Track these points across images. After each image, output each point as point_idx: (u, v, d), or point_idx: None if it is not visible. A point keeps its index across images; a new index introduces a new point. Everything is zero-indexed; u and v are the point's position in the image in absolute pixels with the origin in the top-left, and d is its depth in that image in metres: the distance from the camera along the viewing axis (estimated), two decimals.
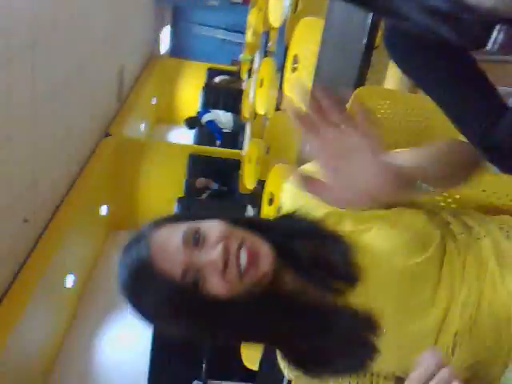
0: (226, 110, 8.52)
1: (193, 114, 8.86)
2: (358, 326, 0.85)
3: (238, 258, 0.81)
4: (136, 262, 0.82)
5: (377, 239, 0.88)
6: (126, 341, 6.08)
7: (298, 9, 3.45)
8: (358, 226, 0.90)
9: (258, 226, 0.89)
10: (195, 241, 0.82)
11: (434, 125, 1.63)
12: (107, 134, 7.55)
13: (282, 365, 0.96)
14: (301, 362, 0.89)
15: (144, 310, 0.85)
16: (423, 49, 0.85)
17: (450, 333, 0.87)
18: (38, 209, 5.19)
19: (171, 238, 0.83)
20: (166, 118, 11.35)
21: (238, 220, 0.89)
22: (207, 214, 0.89)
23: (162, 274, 0.80)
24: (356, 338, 0.85)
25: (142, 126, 9.99)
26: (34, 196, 5.04)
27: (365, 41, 2.00)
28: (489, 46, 0.68)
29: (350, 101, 1.67)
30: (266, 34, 5.39)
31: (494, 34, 0.68)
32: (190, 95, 11.14)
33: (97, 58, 6.66)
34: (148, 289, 0.82)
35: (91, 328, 6.29)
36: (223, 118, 8.23)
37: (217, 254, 0.80)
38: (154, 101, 10.96)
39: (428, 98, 0.90)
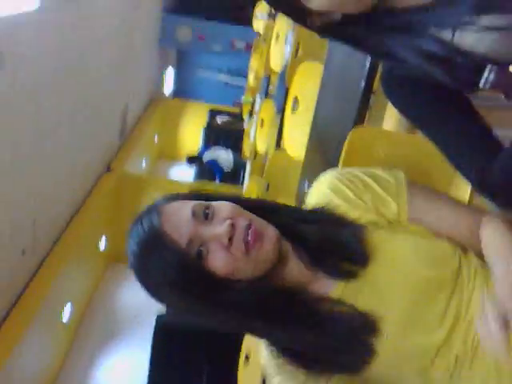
0: (227, 148, 8.65)
1: (194, 151, 8.99)
2: (358, 325, 0.85)
3: (244, 235, 0.83)
4: (147, 229, 0.85)
5: (398, 242, 0.90)
6: (122, 371, 6.01)
7: (299, 54, 3.58)
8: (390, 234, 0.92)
9: (269, 209, 0.92)
10: (205, 215, 0.85)
11: (432, 165, 1.69)
12: (109, 169, 7.65)
13: (264, 353, 0.95)
14: (296, 356, 0.89)
15: (149, 279, 0.86)
16: (419, 90, 0.88)
17: (450, 355, 0.86)
18: (37, 241, 5.22)
19: (182, 210, 0.86)
20: (167, 154, 11.48)
21: (248, 202, 0.92)
22: (219, 196, 0.91)
23: (170, 242, 0.83)
24: (355, 337, 0.86)
25: (144, 162, 10.10)
26: (34, 228, 5.08)
27: (363, 84, 2.09)
28: (481, 84, 0.73)
29: (347, 141, 1.74)
30: (267, 77, 5.54)
31: (486, 73, 0.73)
32: (191, 134, 11.31)
33: (101, 95, 6.81)
34: (155, 255, 0.83)
35: (88, 358, 6.23)
36: (224, 156, 8.35)
37: (223, 229, 0.83)
38: (156, 138, 11.11)
39: (426, 138, 0.94)
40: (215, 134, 9.91)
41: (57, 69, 5.01)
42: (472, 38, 0.73)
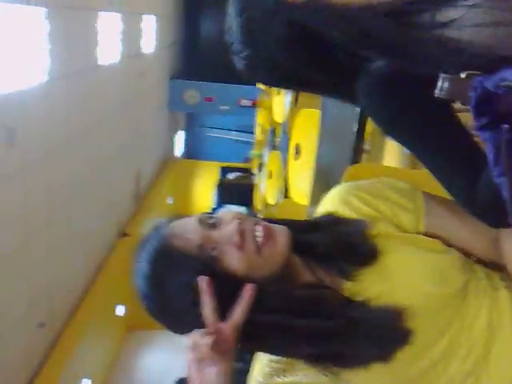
0: (240, 204, 8.70)
1: (207, 211, 9.06)
2: (388, 316, 0.83)
3: (253, 231, 0.82)
4: (155, 247, 0.83)
5: (407, 254, 0.89)
6: None
7: (298, 103, 3.66)
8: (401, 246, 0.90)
9: (274, 222, 0.90)
10: (211, 223, 0.84)
11: None
12: (124, 234, 7.69)
13: (268, 369, 0.89)
14: (321, 360, 0.84)
15: (168, 295, 0.82)
16: (402, 107, 0.89)
17: (445, 372, 0.84)
18: (54, 312, 5.20)
19: (188, 222, 0.85)
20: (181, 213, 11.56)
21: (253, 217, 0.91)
22: None
23: (181, 252, 0.81)
24: (386, 330, 0.83)
25: None
26: (51, 299, 5.07)
27: (356, 128, 2.15)
28: (436, 93, 0.72)
29: (343, 178, 1.73)
30: (273, 129, 5.64)
31: (440, 82, 0.72)
32: (205, 193, 11.42)
33: (114, 162, 6.95)
34: (169, 269, 0.81)
35: None
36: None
37: (232, 228, 0.81)
38: (170, 200, 11.23)
39: (427, 173, 0.92)
40: (228, 192, 10.01)
41: (66, 140, 5.14)
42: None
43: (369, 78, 0.91)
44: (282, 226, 0.85)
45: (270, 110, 5.67)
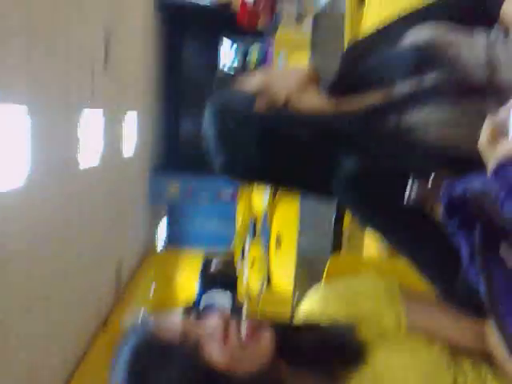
0: (225, 290, 8.65)
1: (191, 300, 8.95)
2: None
3: (238, 327, 0.82)
4: (137, 340, 0.84)
5: (391, 355, 0.88)
6: None
7: (277, 193, 3.77)
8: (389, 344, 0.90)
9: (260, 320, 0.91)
10: (195, 313, 0.86)
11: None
12: (105, 327, 7.52)
13: None
14: None
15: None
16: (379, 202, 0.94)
17: None
18: None
19: (171, 314, 0.87)
20: (165, 306, 11.33)
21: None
22: None
23: (164, 344, 0.82)
24: None
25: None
26: None
27: (334, 215, 2.23)
28: (405, 200, 0.77)
29: (326, 270, 1.81)
30: (253, 220, 5.76)
31: (408, 189, 0.76)
32: (188, 282, 11.26)
33: (95, 254, 6.91)
34: (153, 362, 0.82)
35: None
36: (221, 300, 8.31)
37: (216, 321, 0.82)
38: (152, 290, 11.04)
39: (406, 262, 0.97)
40: (211, 279, 9.93)
41: (47, 236, 5.11)
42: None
43: (341, 179, 0.96)
44: (267, 327, 0.85)
45: (249, 201, 5.82)
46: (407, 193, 0.77)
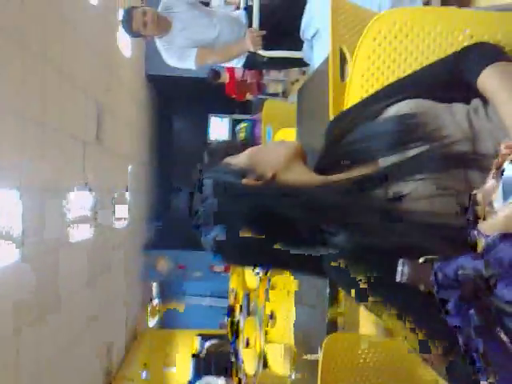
0: (218, 375, 8.32)
1: None
2: None
3: None
4: None
5: None
6: None
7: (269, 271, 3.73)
8: None
9: None
10: None
11: (414, 366, 1.67)
12: None
13: None
14: None
15: None
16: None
17: None
18: None
19: None
20: None
21: None
22: None
23: None
24: None
25: None
26: None
27: (328, 291, 2.20)
28: (397, 278, 0.74)
29: (323, 349, 1.75)
30: (247, 295, 5.64)
31: (399, 267, 0.74)
32: (181, 363, 10.91)
33: (85, 336, 6.71)
34: None
35: None
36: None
37: None
38: (144, 374, 10.64)
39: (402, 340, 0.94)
40: (204, 362, 9.61)
41: (35, 317, 5.00)
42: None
43: (332, 255, 0.94)
44: None
45: (242, 275, 5.74)
46: (399, 268, 0.75)
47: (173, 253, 10.63)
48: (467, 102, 0.96)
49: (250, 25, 3.04)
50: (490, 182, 0.73)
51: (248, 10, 3.14)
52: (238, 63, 3.23)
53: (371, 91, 1.17)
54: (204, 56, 3.05)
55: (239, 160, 1.00)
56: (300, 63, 3.10)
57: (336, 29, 1.53)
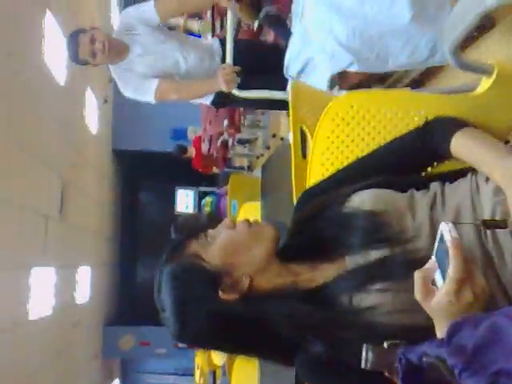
0: None
1: None
2: None
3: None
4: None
5: None
6: None
7: None
8: None
9: None
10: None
11: None
12: None
13: None
14: None
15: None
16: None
17: None
18: None
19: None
20: None
21: None
22: None
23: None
24: None
25: None
26: None
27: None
28: (362, 365, 0.73)
29: None
30: (213, 372, 5.47)
31: (364, 353, 0.73)
32: None
33: None
34: None
35: None
36: None
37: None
38: None
39: None
40: None
41: None
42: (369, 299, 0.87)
43: (305, 359, 0.93)
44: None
45: (208, 352, 5.57)
46: (364, 354, 0.74)
47: (136, 329, 10.29)
48: (426, 186, 0.97)
49: (224, 57, 2.62)
50: (431, 260, 0.75)
51: (222, 40, 2.72)
52: (206, 100, 2.83)
53: (331, 169, 1.21)
54: (166, 91, 2.64)
55: (212, 255, 0.95)
56: (282, 105, 2.39)
57: (296, 110, 1.59)
